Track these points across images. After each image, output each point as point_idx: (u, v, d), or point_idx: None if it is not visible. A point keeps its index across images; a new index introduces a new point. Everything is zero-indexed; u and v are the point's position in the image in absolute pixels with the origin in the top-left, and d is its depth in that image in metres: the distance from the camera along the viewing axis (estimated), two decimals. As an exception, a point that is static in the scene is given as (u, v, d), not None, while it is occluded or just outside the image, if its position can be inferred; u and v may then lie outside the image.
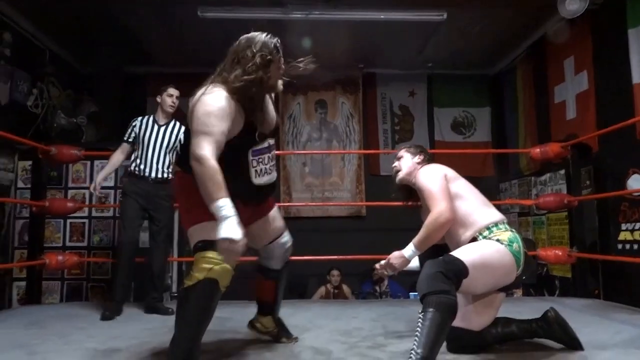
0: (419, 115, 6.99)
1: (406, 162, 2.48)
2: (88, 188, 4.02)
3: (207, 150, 1.81)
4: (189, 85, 6.94)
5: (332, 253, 4.85)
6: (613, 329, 2.72)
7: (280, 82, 2.09)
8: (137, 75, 6.59)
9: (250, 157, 2.04)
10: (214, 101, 1.89)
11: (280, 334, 2.46)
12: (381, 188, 6.61)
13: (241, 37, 2.01)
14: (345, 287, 5.72)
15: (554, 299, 4.44)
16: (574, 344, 2.22)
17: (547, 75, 5.56)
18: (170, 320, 3.01)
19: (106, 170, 3.48)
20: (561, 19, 4.74)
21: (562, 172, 4.92)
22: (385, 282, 5.62)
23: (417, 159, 2.48)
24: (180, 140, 3.53)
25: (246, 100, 1.94)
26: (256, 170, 2.06)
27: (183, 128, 3.58)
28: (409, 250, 2.17)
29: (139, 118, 3.53)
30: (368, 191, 6.72)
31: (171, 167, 3.51)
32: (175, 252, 5.43)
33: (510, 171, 6.56)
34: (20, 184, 4.76)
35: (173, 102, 3.52)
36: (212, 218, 1.79)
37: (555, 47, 5.35)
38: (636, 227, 4.03)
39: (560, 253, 3.96)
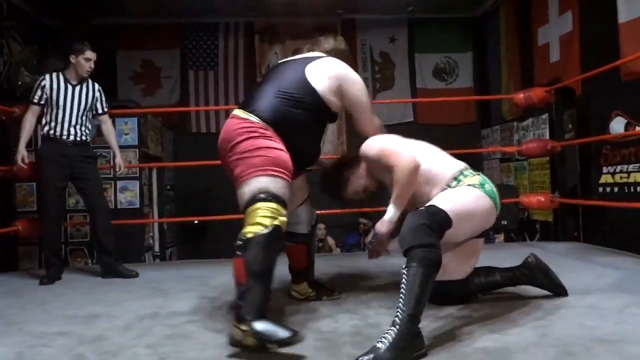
0: (400, 62, 6.83)
1: (359, 177, 2.31)
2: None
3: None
4: (162, 37, 6.65)
5: (316, 206, 4.80)
6: (595, 273, 2.75)
7: None
8: (106, 27, 6.26)
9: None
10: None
11: (321, 294, 2.42)
12: (363, 138, 6.54)
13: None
14: (329, 239, 5.74)
15: (535, 243, 4.50)
16: (557, 290, 2.22)
17: (530, 17, 5.42)
18: (143, 281, 2.99)
19: (24, 138, 3.21)
20: (546, -44, 4.56)
21: (545, 116, 4.88)
22: (372, 234, 5.64)
23: (362, 168, 2.32)
24: (96, 100, 3.35)
25: None
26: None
27: (97, 86, 3.37)
28: (390, 212, 2.04)
29: (47, 77, 3.25)
30: (350, 142, 6.63)
31: (89, 128, 3.33)
32: (155, 213, 5.36)
33: (493, 117, 6.51)
34: (-13, 147, 4.55)
35: (90, 67, 3.26)
36: (278, 173, 1.91)
37: (540, -14, 5.19)
38: (617, 170, 4.04)
39: (542, 199, 3.96)
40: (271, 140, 1.97)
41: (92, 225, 3.39)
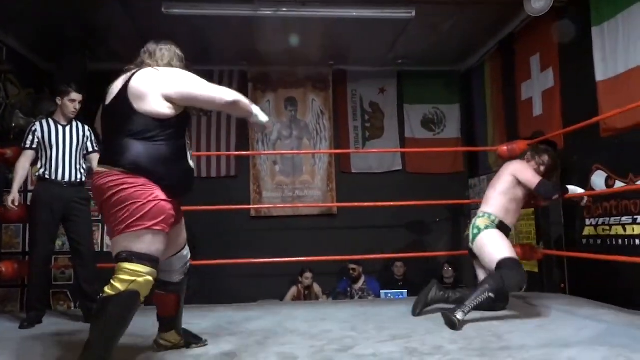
0: (390, 112, 6.99)
1: None
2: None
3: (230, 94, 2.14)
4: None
5: (304, 252, 4.81)
6: (577, 325, 2.76)
7: None
8: (101, 72, 6.36)
9: (187, 140, 2.14)
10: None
11: (190, 342, 2.45)
12: (352, 186, 6.62)
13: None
14: (316, 287, 5.70)
15: (520, 294, 4.50)
16: None
17: (514, 72, 5.62)
18: (137, 329, 2.95)
19: (18, 182, 3.25)
20: (528, 17, 4.78)
21: (529, 168, 4.97)
22: (362, 280, 5.61)
23: None
24: (87, 138, 3.44)
25: None
26: (189, 153, 2.15)
27: (87, 127, 3.47)
28: None
29: (37, 122, 3.34)
30: (339, 189, 6.69)
31: (83, 167, 3.39)
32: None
33: (480, 167, 6.62)
34: (-24, 187, 4.56)
35: (75, 107, 3.36)
36: (142, 227, 1.92)
37: (523, 44, 5.41)
38: (599, 223, 4.11)
39: (527, 249, 4.01)
40: (141, 190, 1.95)
41: (75, 269, 3.35)
